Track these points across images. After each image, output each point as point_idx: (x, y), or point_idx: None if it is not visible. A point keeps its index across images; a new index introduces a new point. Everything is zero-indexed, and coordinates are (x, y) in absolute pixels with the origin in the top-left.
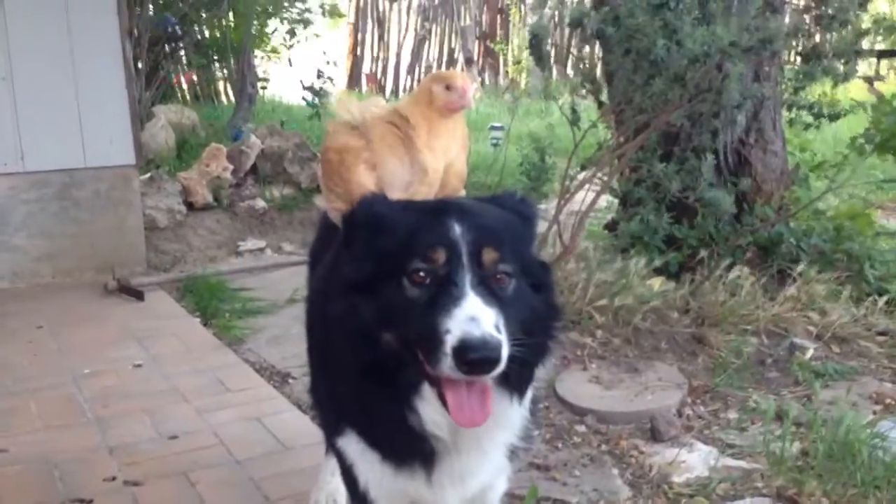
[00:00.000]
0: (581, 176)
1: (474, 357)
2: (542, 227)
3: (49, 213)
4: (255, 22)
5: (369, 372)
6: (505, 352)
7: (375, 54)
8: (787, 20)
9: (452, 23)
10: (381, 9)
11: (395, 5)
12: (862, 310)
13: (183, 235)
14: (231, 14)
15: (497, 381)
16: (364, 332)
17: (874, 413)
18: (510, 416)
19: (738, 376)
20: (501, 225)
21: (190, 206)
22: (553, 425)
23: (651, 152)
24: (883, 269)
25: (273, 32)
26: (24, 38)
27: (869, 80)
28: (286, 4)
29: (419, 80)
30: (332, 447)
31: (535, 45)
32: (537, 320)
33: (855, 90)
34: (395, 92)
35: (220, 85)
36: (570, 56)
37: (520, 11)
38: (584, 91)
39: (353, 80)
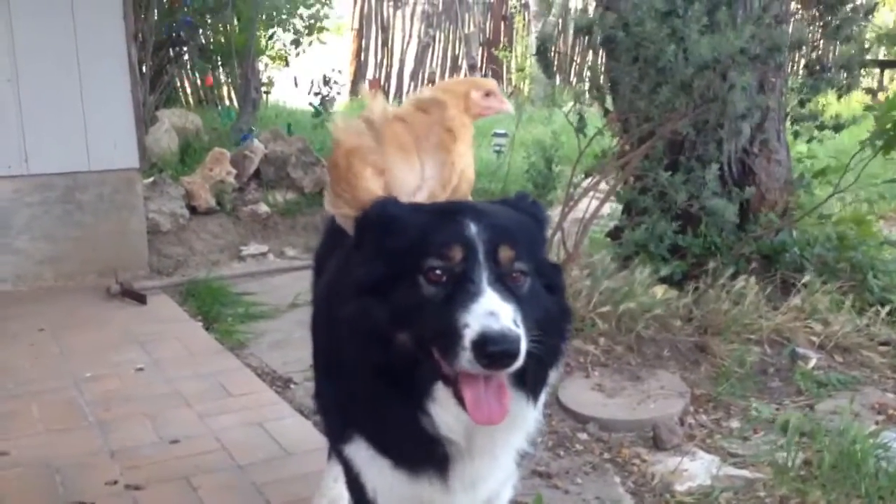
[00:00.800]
0: (585, 183)
1: (494, 350)
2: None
3: (52, 216)
4: (259, 30)
5: (382, 374)
6: (524, 346)
7: (379, 60)
8: (790, 31)
9: (456, 29)
10: (384, 15)
11: (398, 12)
12: (865, 320)
13: (186, 239)
14: (236, 20)
15: (513, 382)
16: (377, 333)
17: (876, 423)
18: (525, 419)
19: (740, 385)
20: (516, 225)
21: (193, 210)
22: (555, 433)
23: (657, 161)
24: (886, 280)
25: (273, 38)
26: (29, 41)
27: (872, 92)
28: (284, 16)
29: (423, 87)
30: (337, 454)
31: (542, 51)
32: (551, 321)
33: (857, 101)
34: (399, 98)
35: (224, 90)
36: (574, 64)
37: (524, 19)
38: (588, 98)
39: (357, 85)
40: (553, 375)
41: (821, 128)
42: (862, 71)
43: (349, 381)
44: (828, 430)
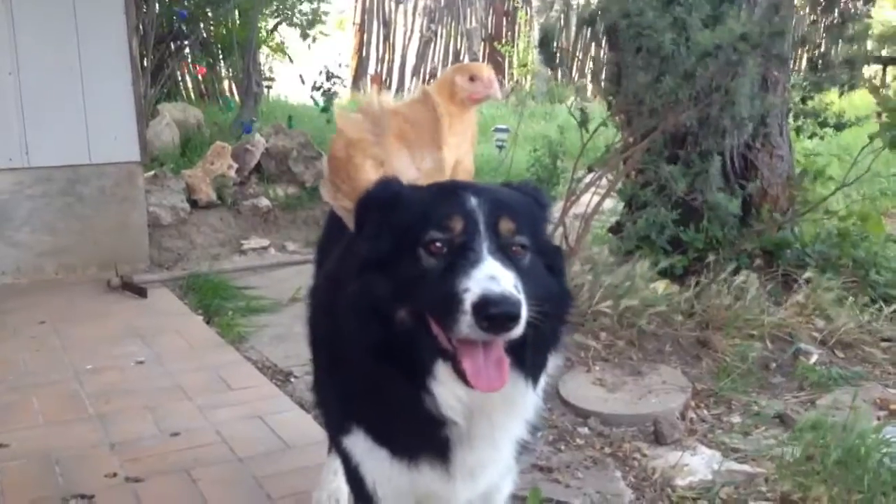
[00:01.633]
0: (587, 178)
1: (495, 312)
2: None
3: (53, 209)
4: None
5: (382, 354)
6: (524, 311)
7: (381, 55)
8: (793, 24)
9: (458, 25)
10: (386, 10)
11: (400, 6)
12: (867, 316)
13: (186, 233)
14: (237, 12)
15: (512, 363)
16: (378, 309)
17: (878, 419)
18: (524, 404)
19: (742, 381)
20: (517, 202)
21: (194, 203)
22: (556, 427)
23: (658, 155)
24: (889, 276)
25: (276, 29)
26: (30, 34)
27: (875, 89)
28: (288, 11)
29: (425, 82)
30: (336, 446)
31: (545, 43)
32: (551, 301)
33: (860, 99)
34: (400, 93)
35: (226, 84)
36: (576, 58)
37: (526, 14)
38: (589, 93)
39: (359, 80)
40: (552, 361)
41: (823, 125)
42: (864, 67)
43: (348, 370)
44: (830, 426)
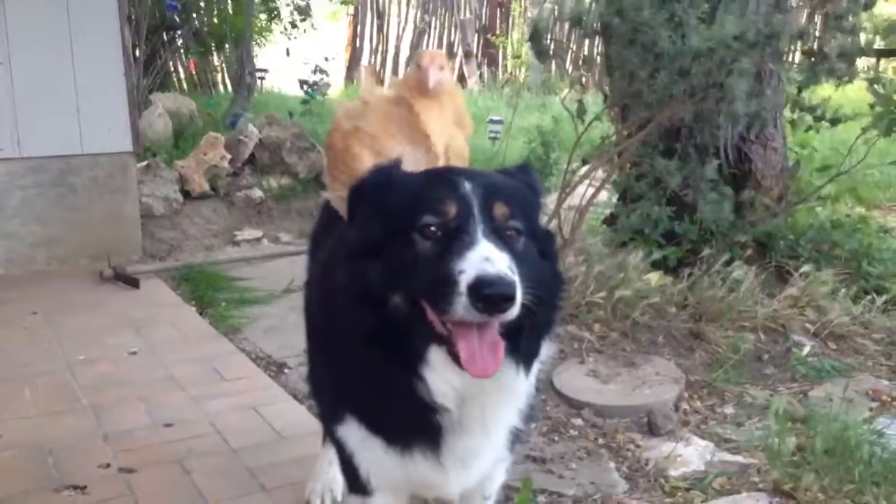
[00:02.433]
0: (582, 170)
1: (490, 292)
2: (542, 220)
3: (45, 200)
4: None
5: (375, 341)
6: (519, 293)
7: (375, 46)
8: (790, 19)
9: (452, 16)
10: (380, 1)
11: None
12: (860, 308)
13: (179, 224)
14: (230, 2)
15: (505, 349)
16: (371, 295)
17: (870, 410)
18: (517, 392)
19: (735, 372)
20: (511, 187)
21: (187, 194)
22: (550, 418)
23: (653, 147)
24: (882, 268)
25: (274, 19)
26: (23, 24)
27: (871, 81)
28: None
29: None
30: (330, 436)
31: (536, 37)
32: (544, 286)
33: (855, 92)
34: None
35: (219, 75)
36: (570, 51)
37: (520, 5)
38: (583, 86)
39: (352, 71)
40: (545, 349)
41: (819, 119)
42: (860, 60)
43: (342, 358)
44: (822, 416)
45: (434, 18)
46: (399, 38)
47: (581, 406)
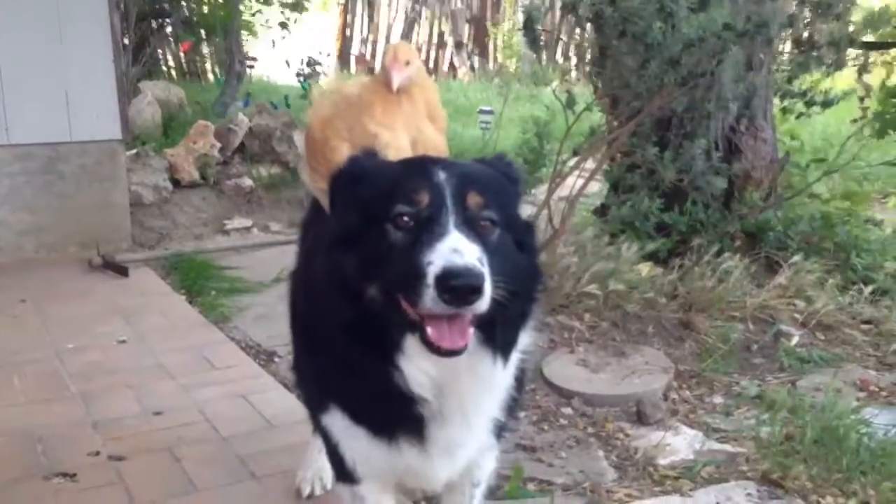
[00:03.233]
0: (572, 161)
1: (456, 284)
2: (532, 211)
3: (33, 187)
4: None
5: (352, 330)
6: (488, 285)
7: (365, 36)
8: (780, 7)
9: (442, 5)
10: None
11: None
12: (847, 298)
13: (168, 212)
14: None
15: (481, 340)
16: (348, 286)
17: (858, 400)
18: (495, 382)
19: (724, 362)
20: (486, 177)
21: (176, 183)
22: (539, 407)
23: (644, 138)
24: (870, 259)
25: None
26: (10, 9)
27: (860, 70)
28: None
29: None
30: (315, 425)
31: (529, 25)
32: (520, 278)
33: (843, 81)
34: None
35: (208, 63)
36: (561, 41)
37: None
38: (574, 76)
39: (343, 61)
40: (524, 339)
41: (809, 104)
42: (849, 50)
43: (324, 348)
44: (810, 406)
45: (424, 8)
46: (389, 28)
47: (571, 395)
